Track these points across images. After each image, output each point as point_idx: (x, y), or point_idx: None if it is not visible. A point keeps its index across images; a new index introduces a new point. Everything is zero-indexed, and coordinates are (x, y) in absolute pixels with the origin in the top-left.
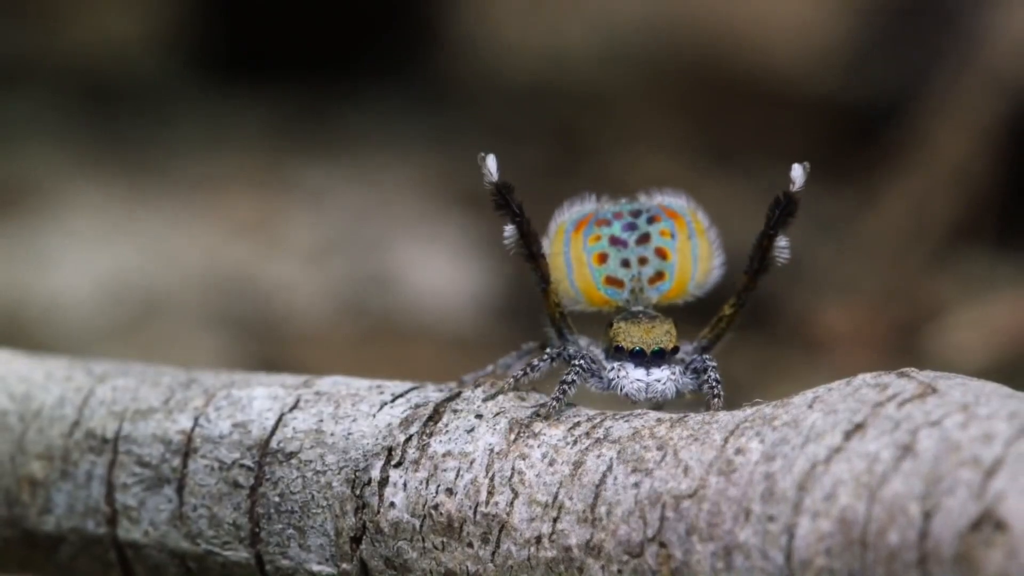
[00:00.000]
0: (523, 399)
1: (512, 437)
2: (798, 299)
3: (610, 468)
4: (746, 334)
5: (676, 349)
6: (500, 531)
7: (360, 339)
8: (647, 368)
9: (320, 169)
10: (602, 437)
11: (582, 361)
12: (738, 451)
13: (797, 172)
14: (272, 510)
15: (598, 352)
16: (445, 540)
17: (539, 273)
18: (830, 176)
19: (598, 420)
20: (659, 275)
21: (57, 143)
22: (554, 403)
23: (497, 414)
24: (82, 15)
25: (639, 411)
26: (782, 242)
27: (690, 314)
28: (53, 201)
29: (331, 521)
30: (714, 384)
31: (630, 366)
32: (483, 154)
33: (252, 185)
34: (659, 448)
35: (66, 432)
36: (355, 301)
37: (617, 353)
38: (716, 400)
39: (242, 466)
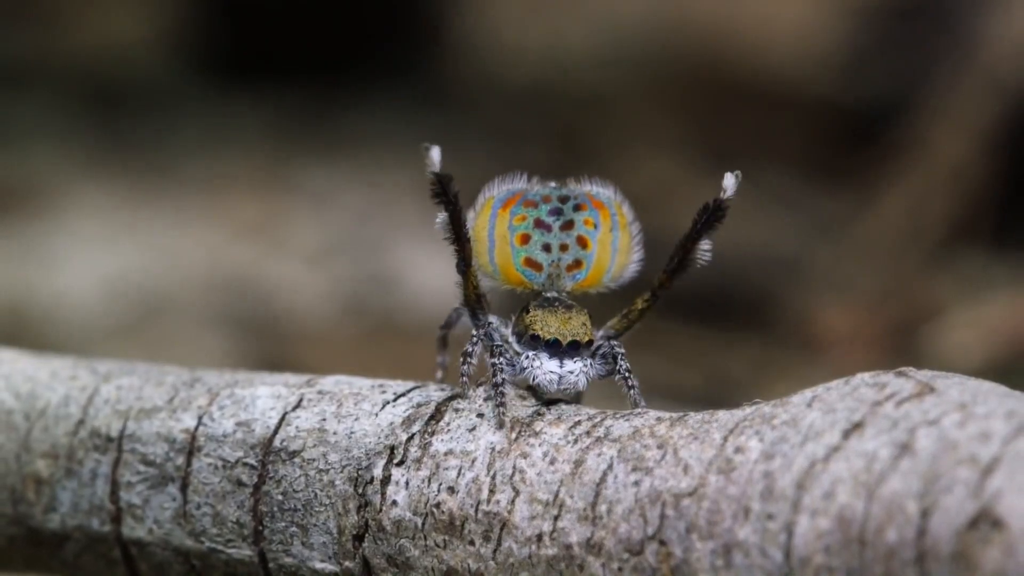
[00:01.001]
0: (524, 398)
1: (513, 436)
2: (797, 299)
3: (611, 467)
4: (745, 334)
5: (591, 342)
6: (501, 529)
7: (362, 339)
8: (560, 359)
9: (322, 170)
10: (603, 436)
11: (502, 359)
12: (737, 450)
13: (729, 180)
14: (275, 508)
15: (509, 335)
16: (447, 538)
17: (462, 256)
18: (828, 177)
19: (599, 419)
20: (577, 263)
21: (62, 145)
22: (501, 410)
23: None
24: (86, 18)
25: (639, 410)
26: (705, 245)
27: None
28: (58, 202)
29: (334, 519)
30: (626, 375)
31: (544, 356)
32: (426, 145)
33: (255, 186)
34: (659, 447)
35: (71, 431)
36: (357, 301)
37: (532, 341)
38: (632, 392)
39: (245, 464)
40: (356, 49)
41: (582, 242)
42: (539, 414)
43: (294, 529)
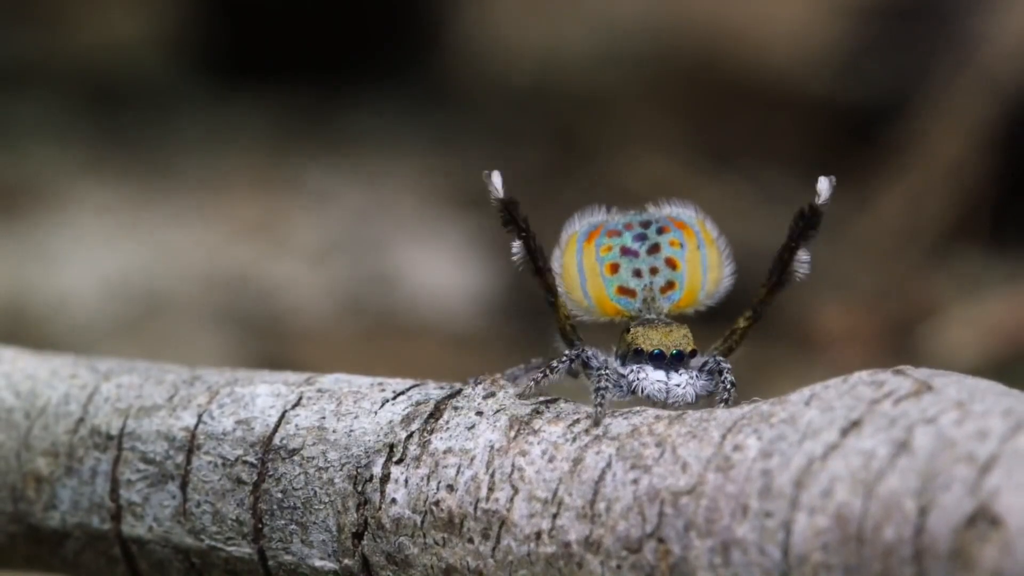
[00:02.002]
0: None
1: (512, 434)
2: (795, 298)
3: (609, 465)
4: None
5: (695, 352)
6: (500, 527)
7: (362, 337)
8: (667, 371)
9: (323, 170)
10: (601, 434)
11: (607, 371)
12: (736, 448)
13: (823, 185)
14: (275, 506)
15: (611, 359)
16: (446, 536)
17: (546, 286)
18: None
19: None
20: (670, 285)
21: (63, 144)
22: (598, 410)
23: (497, 411)
24: (88, 18)
25: (638, 408)
26: (803, 256)
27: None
28: (59, 201)
29: (333, 517)
30: (729, 387)
31: (649, 368)
32: (487, 172)
33: (256, 185)
34: (657, 445)
35: (71, 429)
36: (357, 300)
37: (636, 356)
38: (723, 404)
39: (245, 463)
40: (356, 49)
41: (671, 263)
42: (537, 412)
43: (294, 527)
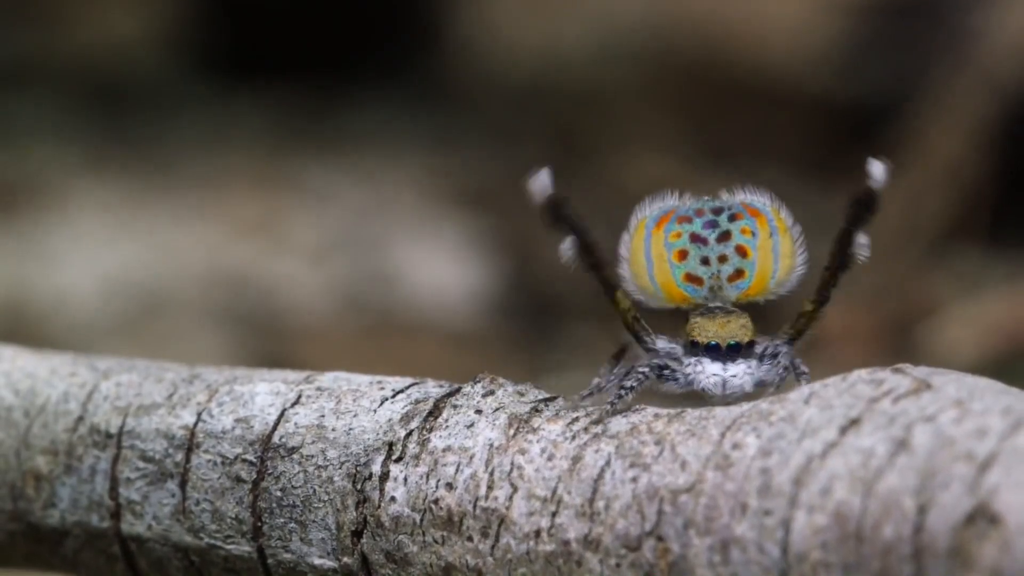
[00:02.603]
0: (522, 395)
1: (511, 432)
2: (793, 297)
3: (608, 463)
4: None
5: (752, 343)
6: (499, 525)
7: (361, 336)
8: (723, 363)
9: (322, 168)
10: (600, 432)
11: (646, 370)
12: (735, 446)
13: (877, 168)
14: (274, 504)
15: (677, 348)
16: (445, 534)
17: (604, 282)
18: (824, 174)
19: (597, 415)
20: (739, 273)
21: (62, 142)
22: (606, 408)
23: (496, 409)
24: (87, 16)
25: (637, 407)
26: (862, 239)
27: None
28: (58, 199)
29: (332, 515)
30: (781, 372)
31: (707, 361)
32: (535, 169)
33: (255, 184)
34: (657, 443)
35: (70, 427)
36: (356, 298)
37: (693, 348)
38: (804, 377)
39: (244, 461)
40: (356, 47)
41: (742, 251)
42: (536, 410)
43: (293, 525)
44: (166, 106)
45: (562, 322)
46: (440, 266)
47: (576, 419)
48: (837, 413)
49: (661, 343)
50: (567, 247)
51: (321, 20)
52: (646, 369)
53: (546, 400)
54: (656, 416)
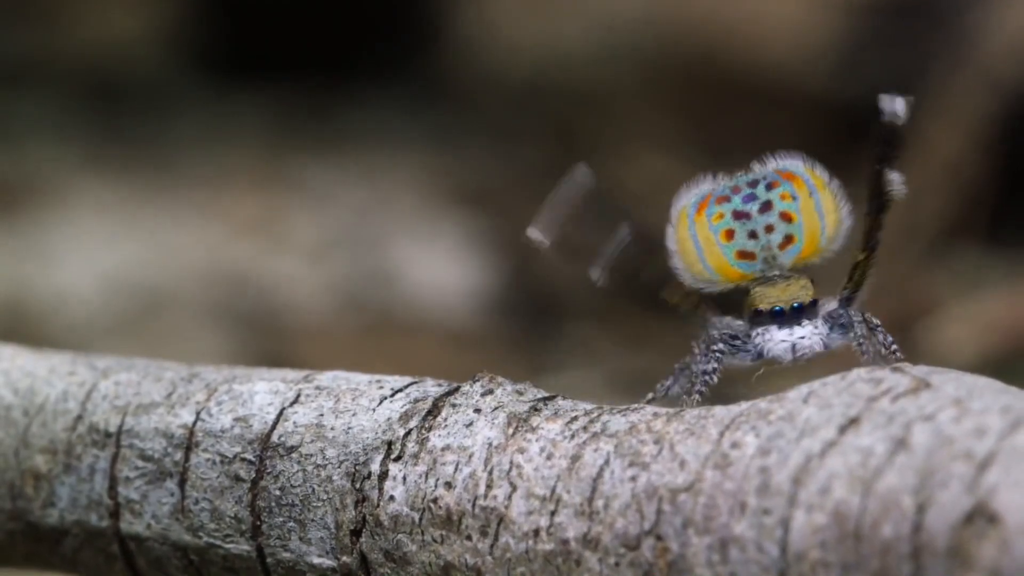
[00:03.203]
0: (521, 394)
1: (510, 431)
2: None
3: (607, 462)
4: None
5: (815, 302)
6: (498, 524)
7: (361, 335)
8: (790, 327)
9: (322, 167)
10: (599, 431)
11: (720, 345)
12: (733, 445)
13: (888, 102)
14: (273, 503)
15: (741, 324)
16: (444, 533)
17: (657, 275)
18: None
19: (595, 415)
20: (789, 239)
21: (61, 141)
22: (696, 397)
23: (495, 408)
24: (85, 15)
25: (636, 406)
26: (894, 175)
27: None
28: (57, 198)
29: (331, 514)
30: (861, 339)
31: (773, 328)
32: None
33: (254, 182)
34: (656, 442)
35: (69, 426)
36: (356, 297)
37: (758, 317)
38: (866, 357)
39: (243, 460)
40: (355, 46)
41: (787, 217)
42: (536, 410)
43: (292, 524)
44: (165, 105)
45: (561, 321)
46: (439, 265)
47: (575, 418)
48: (836, 412)
49: (728, 320)
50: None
51: (321, 19)
52: (720, 344)
53: (545, 399)
54: (655, 415)
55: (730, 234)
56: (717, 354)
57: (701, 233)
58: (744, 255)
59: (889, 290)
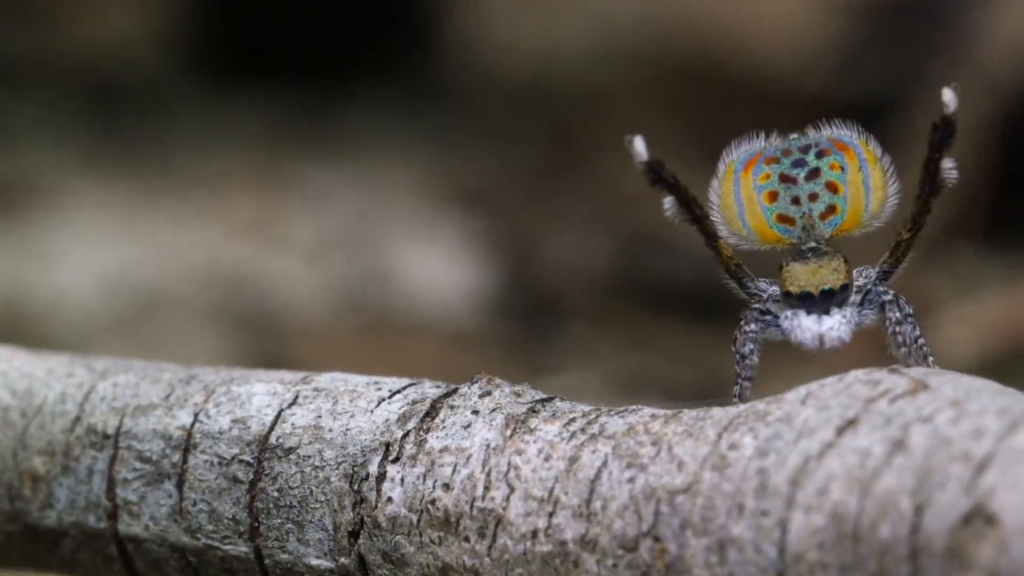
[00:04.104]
0: (519, 395)
1: (508, 433)
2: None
3: (605, 463)
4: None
5: (846, 287)
6: (496, 525)
7: (359, 335)
8: (818, 314)
9: (319, 168)
10: (597, 433)
11: (752, 325)
12: (731, 446)
13: (948, 95)
14: (271, 505)
15: (778, 292)
16: (442, 534)
17: (706, 233)
18: None
19: (593, 416)
20: (831, 209)
21: (59, 142)
22: (744, 391)
23: (493, 410)
24: (83, 15)
25: (634, 407)
26: (948, 163)
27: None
28: (55, 199)
29: (329, 516)
30: (896, 328)
31: (801, 314)
32: (629, 137)
33: (252, 183)
34: (653, 443)
35: (67, 428)
36: (354, 298)
37: (787, 298)
38: (903, 351)
39: (241, 461)
40: (353, 47)
41: (832, 187)
42: (534, 411)
43: (290, 526)
44: (164, 106)
45: (559, 322)
46: (437, 266)
47: (573, 419)
48: (834, 413)
49: (763, 284)
50: (668, 205)
51: (318, 20)
52: (752, 325)
53: (543, 400)
54: (653, 416)
55: (773, 196)
56: (751, 334)
57: (745, 191)
58: (784, 219)
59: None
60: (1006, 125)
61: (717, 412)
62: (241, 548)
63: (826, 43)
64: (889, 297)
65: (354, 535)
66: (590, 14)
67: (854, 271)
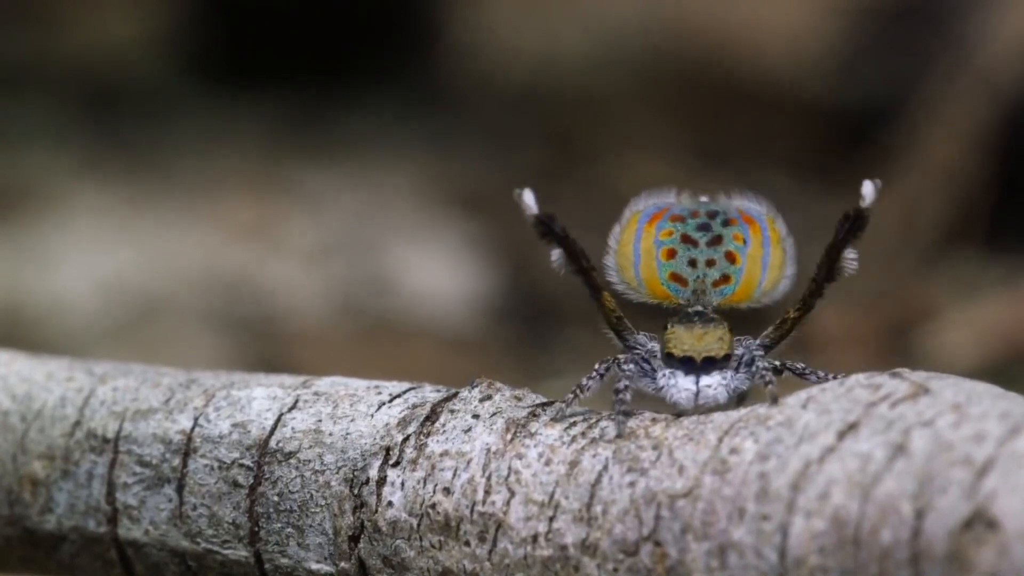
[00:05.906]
0: (519, 399)
1: (508, 437)
2: (791, 301)
3: (606, 467)
4: (739, 334)
5: (728, 356)
6: (497, 530)
7: (358, 340)
8: (697, 375)
9: (318, 171)
10: (598, 437)
11: (631, 366)
12: (732, 451)
13: (868, 189)
14: (271, 509)
15: (657, 349)
16: (442, 539)
17: (591, 285)
18: (822, 179)
19: (593, 420)
20: (725, 279)
21: (58, 146)
22: (619, 418)
23: (494, 414)
24: (82, 19)
25: (635, 411)
26: (850, 254)
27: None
28: (54, 204)
29: (329, 520)
30: (765, 376)
31: (680, 374)
32: (519, 191)
33: (251, 187)
34: (654, 448)
35: (67, 432)
36: (353, 302)
37: (668, 359)
38: (769, 387)
39: (241, 466)
40: (352, 51)
41: (731, 257)
42: (534, 415)
43: (290, 530)
44: (162, 110)
45: (559, 326)
46: (437, 270)
47: (573, 423)
48: (835, 418)
49: (642, 338)
50: (556, 257)
51: (317, 24)
52: (631, 365)
53: (543, 404)
54: (653, 420)
55: (671, 254)
56: (628, 372)
57: (644, 243)
58: (677, 278)
59: (887, 295)
60: (1006, 130)
61: (718, 416)
62: (241, 552)
63: (826, 47)
64: (760, 352)
65: (354, 539)
66: (589, 18)
67: (734, 340)
